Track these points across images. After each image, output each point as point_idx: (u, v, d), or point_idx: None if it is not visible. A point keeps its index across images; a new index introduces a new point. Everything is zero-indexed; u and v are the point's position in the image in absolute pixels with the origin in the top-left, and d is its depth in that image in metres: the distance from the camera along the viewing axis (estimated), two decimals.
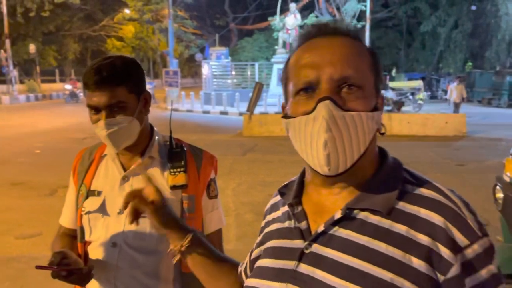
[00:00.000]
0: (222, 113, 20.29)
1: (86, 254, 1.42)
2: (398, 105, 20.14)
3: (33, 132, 13.41)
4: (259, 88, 12.79)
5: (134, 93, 1.32)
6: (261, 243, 0.93)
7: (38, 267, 1.19)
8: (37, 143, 11.27)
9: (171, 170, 1.36)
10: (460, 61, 35.95)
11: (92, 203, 1.38)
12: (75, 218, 1.46)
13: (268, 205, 1.00)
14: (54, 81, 39.12)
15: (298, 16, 22.97)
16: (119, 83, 1.27)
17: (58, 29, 37.66)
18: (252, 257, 0.97)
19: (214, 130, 14.62)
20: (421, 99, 21.20)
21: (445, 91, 28.58)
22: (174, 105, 22.30)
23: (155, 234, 1.34)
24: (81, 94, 29.09)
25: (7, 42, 24.38)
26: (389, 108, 19.80)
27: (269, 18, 26.21)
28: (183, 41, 35.00)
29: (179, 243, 0.99)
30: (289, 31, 22.69)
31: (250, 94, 20.12)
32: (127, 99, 1.30)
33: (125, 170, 1.39)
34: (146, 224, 1.33)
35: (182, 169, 1.36)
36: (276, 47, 24.73)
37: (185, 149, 1.41)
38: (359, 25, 26.32)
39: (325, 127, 0.71)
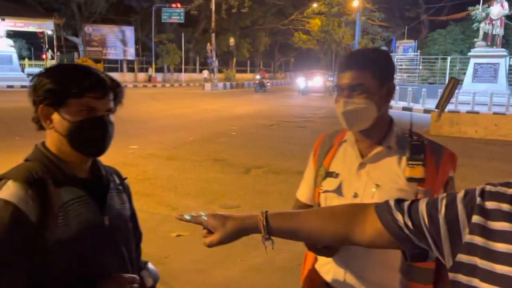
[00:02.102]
0: (405, 108, 19.32)
1: None
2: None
3: (229, 116, 15.12)
4: (453, 84, 11.72)
5: (378, 80, 1.42)
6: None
7: None
8: (233, 126, 12.68)
9: (409, 162, 1.41)
10: None
11: (330, 184, 1.54)
12: (312, 194, 1.65)
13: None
14: (245, 71, 43.07)
15: (506, 5, 20.11)
16: (363, 68, 1.40)
17: (253, 24, 41.16)
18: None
19: (396, 126, 14.05)
20: None
21: None
22: None
23: None
24: (269, 84, 31.54)
25: (213, 36, 27.81)
26: None
27: (470, 8, 23.62)
28: (369, 33, 34.36)
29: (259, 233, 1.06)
30: (493, 22, 20.08)
31: (440, 90, 18.65)
32: (369, 83, 1.40)
33: (362, 156, 1.51)
34: None
35: (421, 162, 1.39)
36: (475, 39, 22.21)
37: (425, 143, 1.45)
38: None
39: None
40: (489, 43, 20.51)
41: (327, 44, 46.01)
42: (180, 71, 38.62)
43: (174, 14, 33.25)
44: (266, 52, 49.42)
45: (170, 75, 38.72)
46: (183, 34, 33.85)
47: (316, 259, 1.61)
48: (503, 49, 20.56)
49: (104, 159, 1.37)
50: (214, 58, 28.54)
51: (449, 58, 23.26)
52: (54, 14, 30.48)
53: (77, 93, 1.20)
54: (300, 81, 28.38)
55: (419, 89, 20.22)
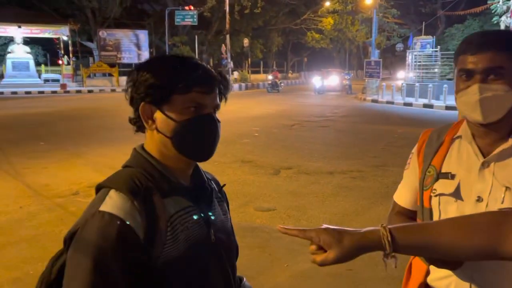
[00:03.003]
0: (425, 106, 18.98)
1: None
2: None
3: (248, 117, 14.97)
4: None
5: None
6: None
7: None
8: (254, 127, 12.52)
9: None
10: None
11: (445, 186, 1.34)
12: (414, 198, 1.47)
13: None
14: (258, 72, 42.96)
15: None
16: (503, 48, 1.20)
17: (265, 24, 41.03)
18: None
19: (419, 123, 13.76)
20: None
21: None
22: (373, 97, 21.90)
23: None
24: (282, 84, 31.35)
25: (227, 37, 27.71)
26: None
27: (489, 1, 23.08)
28: (384, 30, 33.94)
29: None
30: None
31: None
32: (508, 67, 1.20)
33: (483, 154, 1.32)
34: None
35: None
36: None
37: None
38: None
39: None
40: None
41: (340, 43, 45.63)
42: None
43: (187, 17, 33.23)
44: (279, 52, 49.22)
45: None
46: (196, 37, 33.83)
47: (428, 272, 1.42)
48: None
49: None
50: (229, 60, 28.45)
51: None
52: (69, 20, 30.72)
53: (184, 87, 1.04)
54: (316, 80, 28.09)
55: (440, 85, 19.82)
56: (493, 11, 22.91)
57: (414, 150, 1.50)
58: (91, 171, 7.15)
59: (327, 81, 28.69)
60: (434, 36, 25.40)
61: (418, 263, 1.46)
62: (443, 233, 0.95)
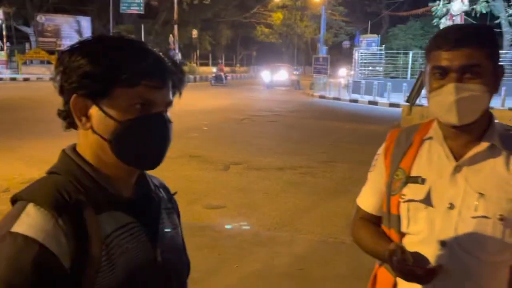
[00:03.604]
0: (370, 102, 19.58)
1: None
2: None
3: (197, 110, 14.61)
4: (422, 78, 11.86)
5: (493, 62, 1.14)
6: None
7: (398, 260, 1.10)
8: (203, 120, 12.23)
9: None
10: None
11: (414, 191, 1.24)
12: (380, 203, 1.36)
13: None
14: (207, 64, 42.43)
15: (466, 0, 20.72)
16: (481, 45, 1.11)
17: (214, 16, 40.52)
18: None
19: (366, 120, 14.15)
20: None
21: None
22: (320, 93, 22.27)
23: (498, 239, 1.16)
24: (229, 77, 31.01)
25: (175, 28, 27.00)
26: None
27: (430, 3, 24.19)
28: (332, 28, 34.63)
29: None
30: (454, 17, 20.64)
31: (404, 84, 18.98)
32: (485, 65, 1.12)
33: (455, 157, 1.22)
34: (488, 223, 1.16)
35: None
36: None
37: None
38: None
39: None
40: None
41: (289, 38, 46.07)
42: None
43: (134, 5, 31.93)
44: (228, 45, 48.84)
45: None
46: (142, 26, 32.70)
47: (394, 284, 1.31)
48: None
49: None
50: (177, 51, 27.73)
51: (411, 53, 23.77)
52: (3, 2, 28.58)
53: (129, 79, 0.83)
54: (265, 75, 28.08)
55: (384, 83, 20.52)
56: (433, 13, 24.04)
57: (381, 151, 1.39)
58: (25, 166, 6.58)
59: (276, 76, 28.77)
60: (379, 35, 26.25)
61: (384, 275, 1.35)
62: None
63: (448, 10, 21.18)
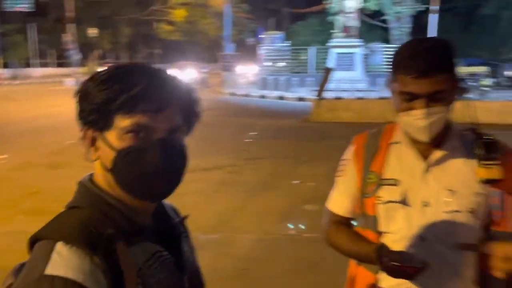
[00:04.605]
0: (279, 97, 20.23)
1: None
2: (463, 91, 19.26)
3: None
4: (327, 73, 12.62)
5: (454, 81, 1.26)
6: None
7: (388, 260, 1.18)
8: None
9: (485, 162, 1.28)
10: None
11: (390, 193, 1.34)
12: (352, 206, 1.44)
13: None
14: (109, 64, 40.45)
15: None
16: (443, 71, 1.22)
17: (113, 14, 38.66)
18: None
19: (277, 115, 14.61)
20: (486, 86, 20.24)
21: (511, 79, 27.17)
22: (230, 90, 22.47)
23: (468, 230, 1.30)
24: None
25: (73, 27, 25.26)
26: None
27: (324, 1, 25.63)
28: (236, 25, 34.97)
29: None
30: (348, 14, 22.15)
31: (309, 79, 19.95)
32: (448, 88, 1.23)
33: (423, 158, 1.34)
34: (460, 216, 1.30)
35: (497, 162, 1.28)
36: (333, 31, 24.23)
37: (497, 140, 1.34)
38: (422, 8, 25.34)
39: None
40: (346, 34, 22.57)
41: (193, 36, 45.65)
42: (33, 66, 34.36)
43: (21, 2, 29.26)
44: (130, 44, 47.03)
45: (21, 71, 34.23)
46: (31, 25, 30.06)
47: (376, 285, 1.40)
48: (358, 40, 22.81)
49: None
50: (75, 50, 25.92)
51: (310, 49, 25.02)
52: None
53: (123, 105, 0.79)
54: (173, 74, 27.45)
55: (290, 78, 21.34)
56: (328, 10, 25.52)
57: (349, 156, 1.45)
58: None
59: (183, 74, 28.37)
60: (283, 32, 27.20)
61: (363, 273, 1.42)
62: None
63: (342, 8, 22.60)
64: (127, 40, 45.01)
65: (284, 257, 4.09)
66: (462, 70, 22.51)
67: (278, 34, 24.88)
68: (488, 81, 21.28)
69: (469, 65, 26.39)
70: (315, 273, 3.77)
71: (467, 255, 1.33)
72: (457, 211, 1.29)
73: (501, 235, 1.31)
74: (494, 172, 1.28)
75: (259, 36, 27.62)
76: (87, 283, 0.71)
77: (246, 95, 21.53)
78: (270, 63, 24.34)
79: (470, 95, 14.89)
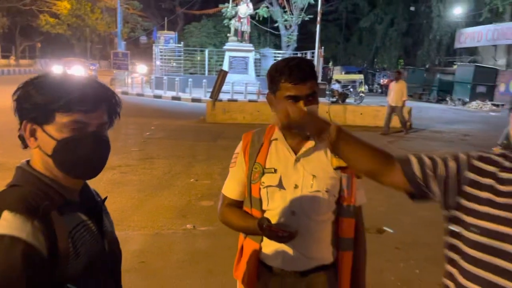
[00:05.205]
0: (174, 98, 20.17)
1: None
2: (342, 97, 21.24)
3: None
4: (223, 76, 13.03)
5: (318, 86, 1.67)
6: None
7: (267, 226, 1.53)
8: None
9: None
10: (394, 57, 38.42)
11: (270, 179, 1.69)
12: (242, 191, 1.78)
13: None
14: None
15: (250, 5, 23.30)
16: (313, 78, 1.63)
17: None
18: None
19: (172, 115, 14.63)
20: (362, 92, 22.59)
21: (382, 86, 30.56)
22: (122, 89, 21.75)
23: (326, 205, 1.71)
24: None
25: None
26: (334, 99, 20.87)
27: (220, 5, 26.16)
28: (128, 22, 33.82)
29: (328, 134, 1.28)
30: (242, 20, 22.94)
31: (204, 80, 20.23)
32: (317, 91, 1.64)
33: (294, 152, 1.72)
34: (319, 196, 1.71)
35: None
36: (227, 34, 24.87)
37: None
38: (306, 18, 27.24)
39: None
40: (239, 38, 23.35)
41: (80, 30, 42.97)
42: None
43: None
44: (5, 35, 42.54)
45: None
46: None
47: (259, 250, 1.75)
48: (251, 45, 23.76)
49: None
50: None
51: (207, 51, 25.36)
52: None
53: (64, 106, 1.04)
54: (58, 70, 25.71)
55: (185, 79, 21.39)
56: (223, 14, 26.13)
57: (239, 150, 1.80)
58: None
59: (70, 71, 26.65)
60: (176, 32, 27.07)
61: (249, 243, 1.77)
62: (362, 149, 1.30)
63: (236, 13, 23.36)
64: (2, 31, 40.66)
65: (180, 249, 4.30)
66: (342, 77, 24.73)
67: (172, 34, 24.72)
68: (364, 88, 23.77)
69: (347, 72, 29.17)
70: (209, 261, 4.05)
71: (325, 224, 1.74)
72: (317, 191, 1.68)
73: (348, 208, 1.75)
74: (342, 161, 1.71)
75: (153, 35, 27.11)
76: (29, 239, 0.93)
77: (140, 95, 21.06)
78: (164, 63, 24.08)
79: (349, 100, 16.48)
